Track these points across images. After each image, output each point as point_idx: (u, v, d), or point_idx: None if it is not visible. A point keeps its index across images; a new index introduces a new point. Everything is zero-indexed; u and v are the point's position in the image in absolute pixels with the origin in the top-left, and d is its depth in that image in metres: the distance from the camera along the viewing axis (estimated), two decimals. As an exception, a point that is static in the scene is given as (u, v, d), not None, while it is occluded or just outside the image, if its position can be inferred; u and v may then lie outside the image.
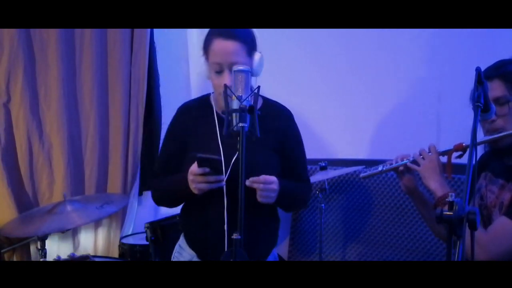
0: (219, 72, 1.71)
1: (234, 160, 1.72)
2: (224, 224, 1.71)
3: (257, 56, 1.75)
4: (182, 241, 1.90)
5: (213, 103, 1.86)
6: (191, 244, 1.85)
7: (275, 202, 1.73)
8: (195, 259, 1.83)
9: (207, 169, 1.66)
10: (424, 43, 2.70)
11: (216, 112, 1.83)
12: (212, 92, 1.88)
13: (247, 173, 1.47)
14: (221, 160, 1.67)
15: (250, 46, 1.74)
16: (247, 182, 1.64)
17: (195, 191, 1.69)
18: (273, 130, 1.80)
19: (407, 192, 1.84)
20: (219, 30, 1.72)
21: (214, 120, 1.81)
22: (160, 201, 1.95)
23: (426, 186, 1.69)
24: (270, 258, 1.88)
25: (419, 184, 1.81)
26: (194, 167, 1.67)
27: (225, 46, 1.69)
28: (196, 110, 1.86)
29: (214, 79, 1.74)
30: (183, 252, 1.88)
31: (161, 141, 3.00)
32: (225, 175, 1.71)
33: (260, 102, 1.85)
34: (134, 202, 2.97)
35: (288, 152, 1.84)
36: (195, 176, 1.67)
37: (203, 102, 1.88)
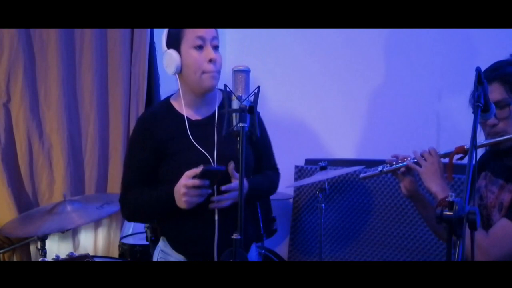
0: (201, 46, 1.70)
1: (217, 156, 1.71)
2: (215, 223, 1.70)
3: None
4: (165, 246, 1.83)
5: (178, 106, 1.80)
6: (177, 247, 1.79)
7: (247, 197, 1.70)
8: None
9: (207, 182, 1.62)
10: (424, 43, 2.71)
11: (180, 113, 1.78)
12: (172, 94, 1.84)
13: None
14: (225, 170, 1.65)
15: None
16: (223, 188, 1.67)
17: (184, 205, 1.63)
18: None
19: (407, 195, 1.81)
20: None
21: (183, 122, 1.76)
22: (135, 216, 1.88)
23: (427, 189, 1.67)
24: (252, 251, 1.88)
25: (419, 186, 1.80)
26: (188, 180, 1.60)
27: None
28: (162, 115, 1.80)
29: (196, 56, 1.70)
30: (169, 257, 1.81)
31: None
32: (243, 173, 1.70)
33: (220, 96, 1.82)
34: (134, 202, 2.97)
35: (260, 143, 1.83)
36: (189, 189, 1.61)
37: (165, 105, 1.83)
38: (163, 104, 1.85)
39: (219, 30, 1.79)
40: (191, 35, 1.70)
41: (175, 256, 1.80)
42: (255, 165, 1.86)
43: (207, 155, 1.71)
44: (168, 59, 1.73)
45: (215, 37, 1.73)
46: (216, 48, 1.73)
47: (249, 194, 1.72)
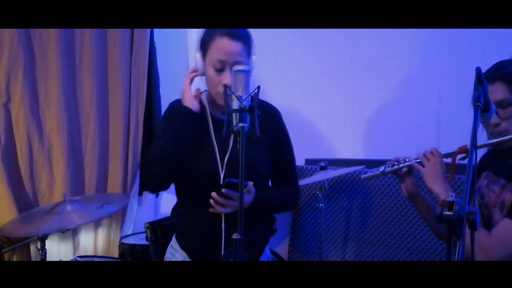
0: (220, 70, 1.71)
1: (227, 160, 1.74)
2: (222, 223, 1.72)
3: (253, 58, 1.78)
4: (174, 242, 1.89)
5: (205, 102, 1.86)
6: (183, 244, 1.84)
7: (251, 210, 1.72)
8: (187, 259, 1.82)
9: (232, 192, 1.66)
10: (424, 43, 2.70)
11: (210, 111, 1.83)
12: (205, 90, 1.87)
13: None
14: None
15: (250, 48, 1.76)
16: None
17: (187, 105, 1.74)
18: (264, 129, 1.74)
19: (408, 197, 1.81)
20: (222, 29, 1.73)
21: (208, 119, 1.82)
22: (153, 167, 1.78)
23: (429, 189, 1.67)
24: (263, 257, 1.89)
25: (421, 188, 1.80)
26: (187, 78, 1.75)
27: (231, 45, 1.70)
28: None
29: (213, 77, 1.74)
30: (175, 253, 1.87)
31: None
32: (221, 174, 1.74)
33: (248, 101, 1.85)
34: (134, 202, 2.97)
35: (279, 151, 1.86)
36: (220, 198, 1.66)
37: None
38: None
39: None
40: (214, 54, 1.72)
41: (180, 252, 1.84)
42: (274, 176, 1.87)
43: (217, 154, 1.75)
44: (196, 61, 1.79)
45: (239, 62, 1.68)
46: None
47: (253, 205, 1.73)
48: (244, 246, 1.40)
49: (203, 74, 1.78)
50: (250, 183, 1.69)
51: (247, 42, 1.74)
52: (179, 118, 1.77)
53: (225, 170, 1.73)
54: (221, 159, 1.75)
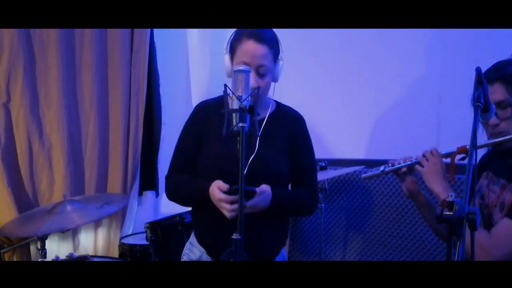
0: None
1: (251, 161, 1.73)
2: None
3: (280, 63, 1.80)
4: (192, 238, 1.92)
5: (229, 101, 1.86)
6: (201, 241, 1.86)
7: (268, 210, 1.73)
8: (205, 255, 1.84)
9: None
10: (424, 43, 2.70)
11: None
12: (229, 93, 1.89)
13: (261, 172, 1.52)
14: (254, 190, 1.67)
15: (276, 52, 1.78)
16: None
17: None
18: (284, 132, 1.83)
19: (409, 196, 1.81)
20: (250, 30, 1.74)
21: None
22: (173, 198, 1.93)
23: (429, 189, 1.67)
24: (279, 257, 1.89)
25: (421, 187, 1.80)
26: (218, 193, 1.66)
27: (255, 48, 1.72)
28: (213, 108, 1.87)
29: None
30: (193, 248, 1.89)
31: (161, 141, 3.03)
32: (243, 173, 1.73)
33: (273, 106, 1.88)
34: (134, 202, 2.97)
35: (297, 156, 1.85)
36: (223, 202, 1.67)
37: (221, 100, 1.87)
38: (220, 97, 1.89)
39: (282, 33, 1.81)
40: (239, 56, 1.74)
41: (198, 248, 1.86)
42: (292, 181, 1.88)
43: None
44: (224, 62, 1.81)
45: (262, 66, 1.72)
46: (262, 75, 1.73)
47: (272, 203, 1.72)
48: (261, 245, 1.40)
49: (230, 75, 1.78)
50: (259, 187, 1.68)
51: (272, 46, 1.76)
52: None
53: (247, 171, 1.73)
54: (246, 157, 1.74)
